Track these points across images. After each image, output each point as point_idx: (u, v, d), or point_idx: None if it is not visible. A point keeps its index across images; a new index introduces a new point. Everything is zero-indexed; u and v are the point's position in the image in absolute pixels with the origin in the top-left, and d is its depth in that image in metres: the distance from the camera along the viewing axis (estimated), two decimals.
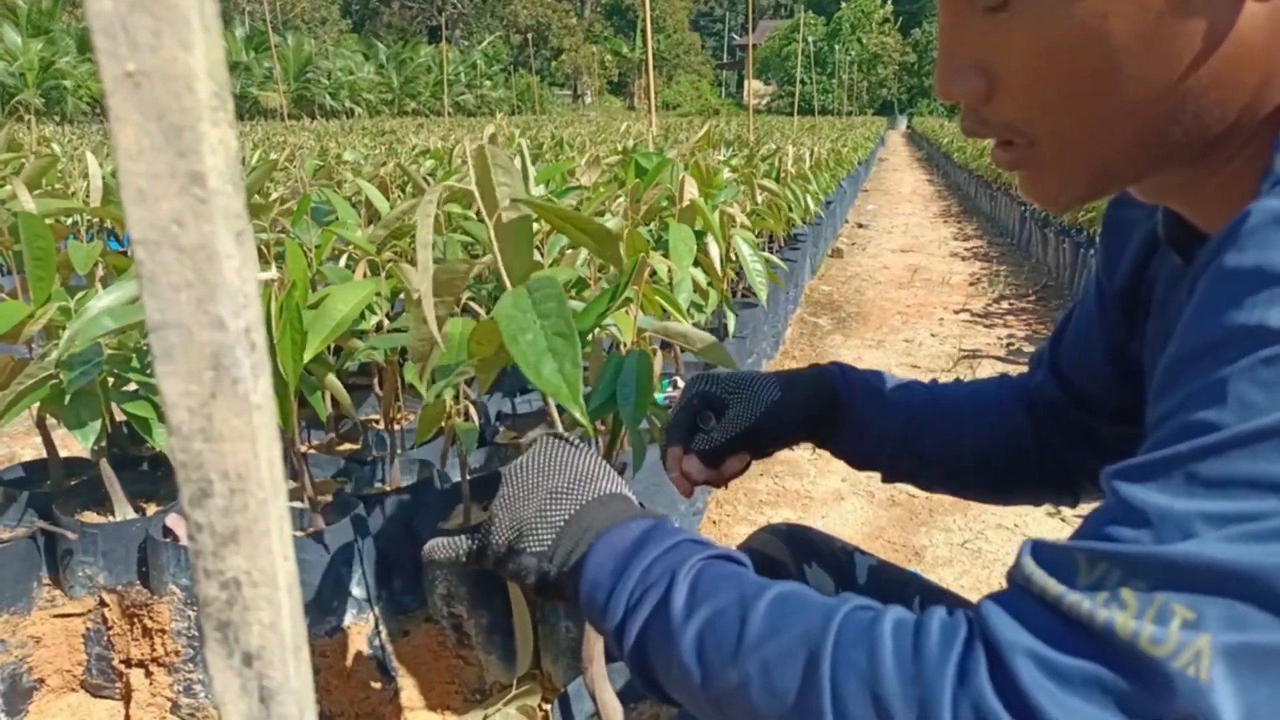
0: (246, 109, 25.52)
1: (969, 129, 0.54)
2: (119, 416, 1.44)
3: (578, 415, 0.84)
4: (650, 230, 2.31)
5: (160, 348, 0.29)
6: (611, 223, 1.81)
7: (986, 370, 3.56)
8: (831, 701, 0.42)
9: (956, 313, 4.62)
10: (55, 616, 1.41)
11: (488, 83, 37.28)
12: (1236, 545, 0.35)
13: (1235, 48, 0.45)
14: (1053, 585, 0.38)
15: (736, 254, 2.30)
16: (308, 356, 1.24)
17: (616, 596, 0.54)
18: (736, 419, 0.80)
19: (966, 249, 6.77)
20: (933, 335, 4.17)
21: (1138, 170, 0.51)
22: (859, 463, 0.86)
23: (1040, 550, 0.40)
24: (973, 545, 2.16)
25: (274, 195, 2.21)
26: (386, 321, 1.58)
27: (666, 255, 1.84)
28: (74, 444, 1.90)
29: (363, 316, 1.50)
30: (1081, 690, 0.36)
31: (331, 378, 1.44)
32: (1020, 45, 0.49)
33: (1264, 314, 0.36)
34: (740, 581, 0.50)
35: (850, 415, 0.83)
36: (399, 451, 1.61)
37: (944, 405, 0.85)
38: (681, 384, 2.15)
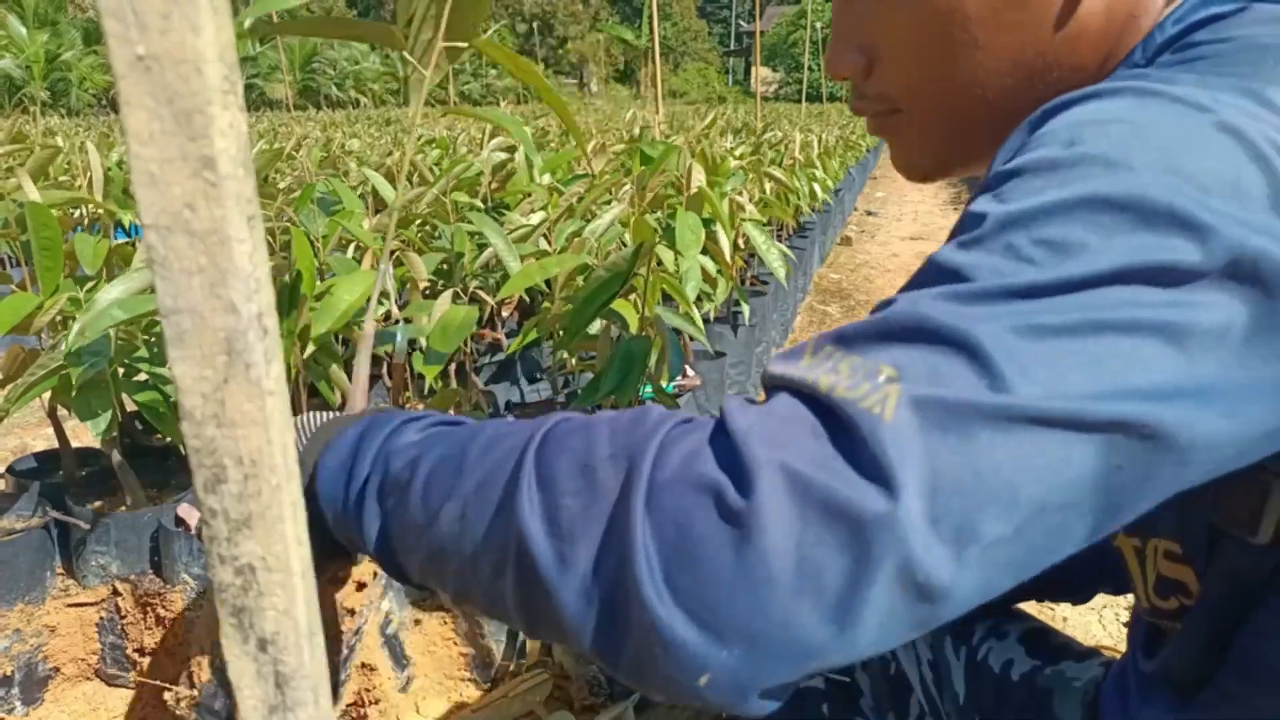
0: (252, 100, 25.53)
1: (855, 107, 0.59)
2: (129, 406, 1.45)
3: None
4: (658, 219, 2.30)
5: (173, 332, 0.29)
6: (617, 209, 1.81)
7: None
8: (536, 477, 0.38)
9: None
10: (69, 606, 1.42)
11: (493, 71, 37.17)
12: (948, 303, 0.35)
13: (1075, 26, 0.50)
14: (777, 367, 0.38)
15: (749, 242, 2.29)
16: (312, 346, 1.24)
17: (350, 493, 0.48)
18: None
19: None
20: None
21: (995, 136, 0.54)
22: None
23: (777, 356, 0.40)
24: None
25: (281, 184, 2.21)
26: (396, 310, 1.58)
27: (672, 244, 1.84)
28: (84, 434, 1.91)
29: (365, 306, 1.50)
30: (778, 422, 0.35)
31: (336, 368, 1.44)
32: (890, 19, 0.54)
33: (1004, 164, 0.40)
34: (464, 428, 0.47)
35: None
36: None
37: None
38: (691, 373, 2.15)
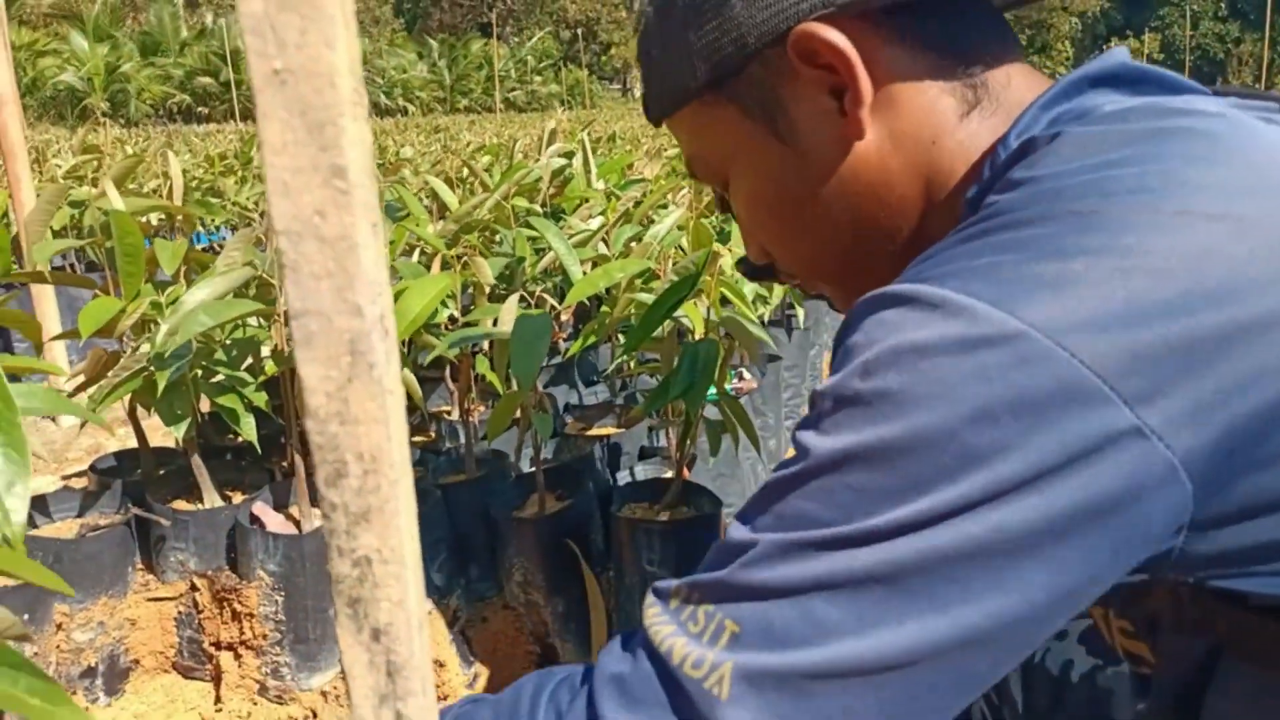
0: None
1: (781, 282, 0.67)
2: (204, 407, 1.49)
3: None
4: (713, 221, 2.31)
5: (301, 334, 0.30)
6: (676, 214, 1.82)
7: None
8: None
9: None
10: (149, 600, 1.47)
11: (538, 78, 37.48)
12: (780, 561, 0.40)
13: (870, 174, 0.54)
14: (652, 610, 0.44)
15: None
16: (395, 323, 1.26)
17: None
18: None
19: None
20: None
21: (883, 276, 0.56)
22: None
23: (657, 587, 0.45)
24: None
25: None
26: (459, 314, 1.61)
27: (727, 245, 1.84)
28: (158, 433, 1.97)
29: (435, 311, 1.52)
30: (635, 705, 0.42)
31: (407, 372, 1.47)
32: (748, 219, 0.61)
33: (821, 384, 0.44)
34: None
35: None
36: (473, 442, 1.63)
37: None
38: (748, 375, 2.15)
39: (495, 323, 1.43)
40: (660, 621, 0.43)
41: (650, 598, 0.45)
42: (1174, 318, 0.38)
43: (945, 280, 0.41)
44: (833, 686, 0.39)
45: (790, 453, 0.43)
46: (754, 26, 0.52)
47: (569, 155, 2.26)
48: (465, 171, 4.00)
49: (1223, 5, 40.83)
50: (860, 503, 0.39)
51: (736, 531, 0.43)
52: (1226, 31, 41.66)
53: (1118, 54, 0.52)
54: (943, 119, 0.53)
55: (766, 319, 2.68)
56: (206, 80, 25.15)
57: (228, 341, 1.44)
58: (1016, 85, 0.53)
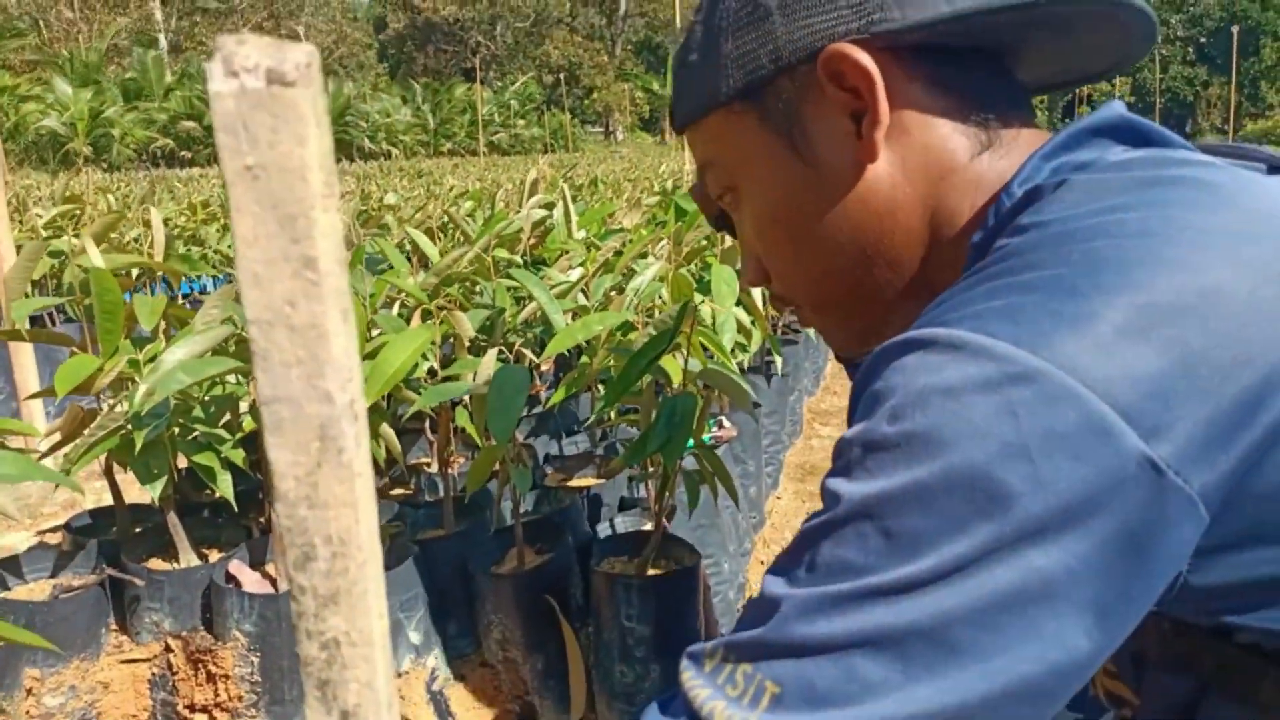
0: None
1: (774, 304, 0.67)
2: (180, 463, 1.48)
3: None
4: (692, 269, 2.33)
5: (271, 420, 0.31)
6: (655, 266, 1.84)
7: None
8: None
9: None
10: (122, 662, 1.44)
11: (521, 122, 37.82)
12: (818, 616, 0.40)
13: (878, 201, 0.56)
14: (687, 674, 0.43)
15: None
16: (365, 406, 1.27)
17: None
18: None
19: None
20: None
21: (882, 313, 0.60)
22: None
23: (691, 651, 0.45)
24: None
25: None
26: (439, 368, 1.62)
27: (708, 295, 1.86)
28: (134, 488, 1.95)
29: (415, 364, 1.53)
30: None
31: (386, 426, 1.47)
32: (751, 236, 0.63)
33: (846, 431, 0.44)
34: None
35: None
36: (452, 496, 1.63)
37: None
38: (727, 424, 2.16)
39: (475, 376, 1.44)
40: (697, 685, 0.42)
41: (685, 662, 0.44)
42: (1185, 352, 0.39)
43: (963, 323, 0.42)
44: None
45: (819, 505, 0.44)
46: (790, 42, 0.55)
47: (549, 206, 2.28)
48: (446, 218, 4.03)
49: (1190, 50, 41.87)
50: (896, 548, 0.39)
51: (771, 585, 0.43)
52: (1195, 75, 42.66)
53: (1115, 107, 0.54)
54: (953, 156, 0.55)
55: (746, 366, 2.70)
56: (190, 124, 25.24)
57: (206, 398, 1.44)
58: (1025, 138, 0.56)
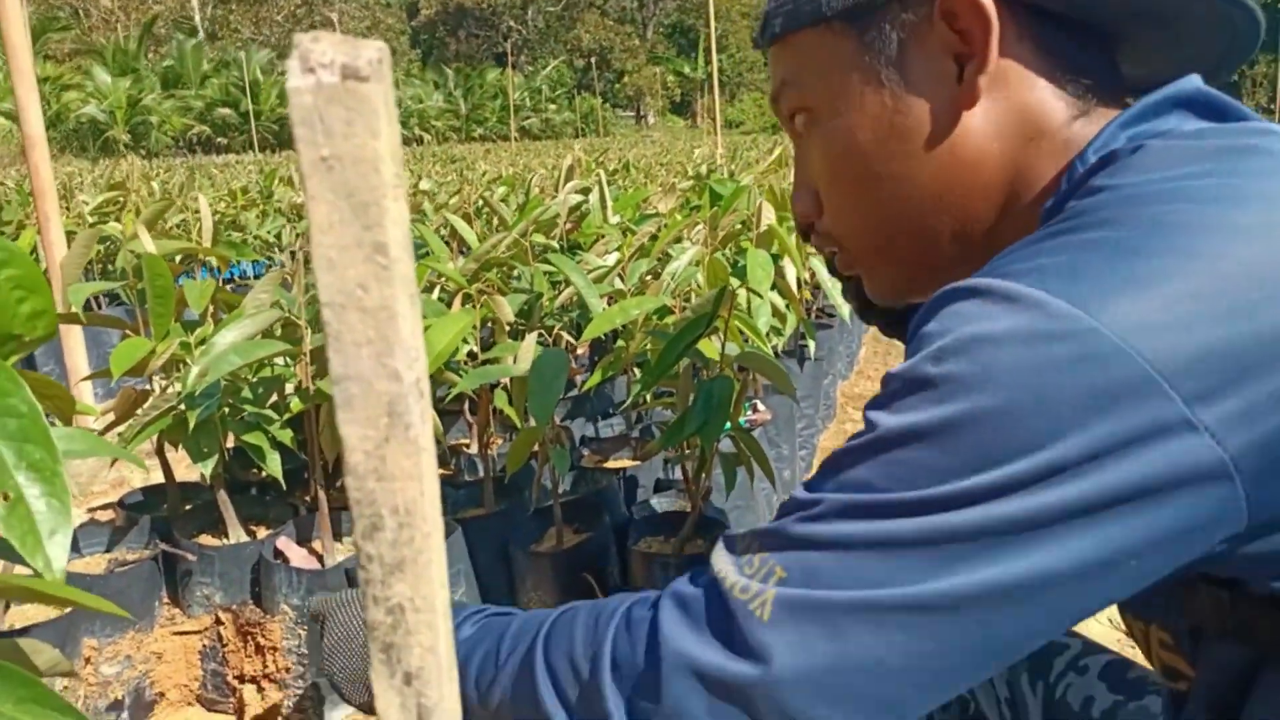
0: None
1: (815, 243, 0.66)
2: (229, 442, 1.52)
3: None
4: (727, 254, 2.34)
5: (342, 398, 0.33)
6: (691, 251, 1.85)
7: None
8: (545, 670, 0.54)
9: None
10: (175, 634, 1.49)
11: (552, 106, 37.84)
12: (837, 519, 0.44)
13: (966, 150, 0.55)
14: (717, 553, 0.49)
15: (815, 275, 2.31)
16: (429, 384, 1.30)
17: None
18: None
19: None
20: None
21: (933, 265, 0.60)
22: None
23: (727, 535, 0.51)
24: None
25: None
26: (479, 351, 1.64)
27: (743, 280, 1.87)
28: (183, 467, 2.01)
29: (456, 348, 1.56)
30: (691, 617, 0.47)
31: (429, 407, 1.50)
32: (816, 163, 0.61)
33: (896, 367, 0.47)
34: (498, 622, 0.63)
35: None
36: (491, 476, 1.66)
37: None
38: (762, 407, 2.17)
39: (515, 360, 1.46)
40: (721, 560, 0.48)
41: (719, 545, 0.49)
42: (1237, 322, 0.40)
43: (1023, 276, 0.43)
44: (865, 625, 0.42)
45: (861, 428, 0.47)
46: None
47: (585, 191, 2.30)
48: (482, 203, 4.06)
49: None
50: (919, 476, 0.42)
51: (799, 493, 0.47)
52: None
53: (1193, 80, 0.54)
54: (1048, 119, 0.55)
55: (780, 349, 2.71)
56: (226, 112, 25.54)
57: (254, 379, 1.48)
58: (1113, 115, 0.55)
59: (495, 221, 3.00)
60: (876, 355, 4.15)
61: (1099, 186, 0.47)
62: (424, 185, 4.84)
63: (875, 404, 0.46)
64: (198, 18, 37.13)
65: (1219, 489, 0.40)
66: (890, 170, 0.57)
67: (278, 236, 3.86)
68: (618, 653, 0.51)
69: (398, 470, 0.34)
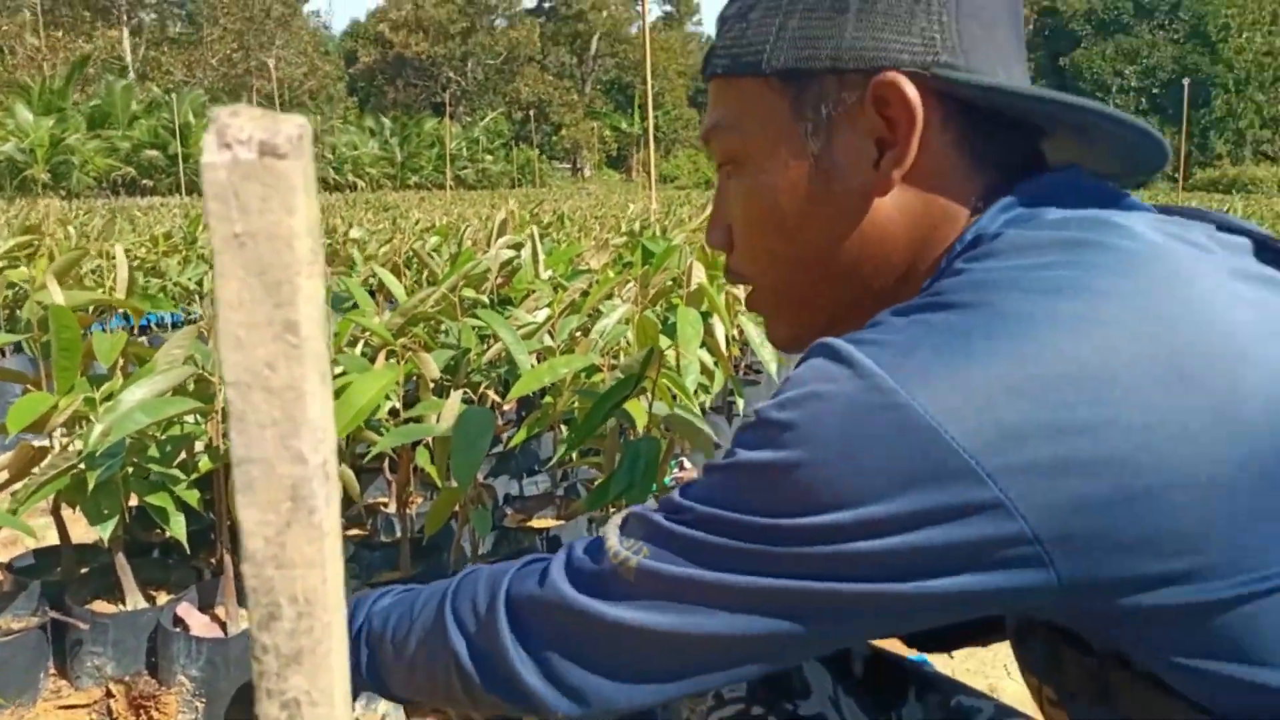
0: None
1: (726, 275, 0.68)
2: (131, 502, 1.45)
3: None
4: (657, 311, 2.34)
5: (243, 480, 0.30)
6: (621, 309, 1.84)
7: None
8: (454, 622, 0.59)
9: None
10: (60, 709, 1.40)
11: (489, 156, 37.98)
12: (688, 524, 0.50)
13: (877, 229, 0.58)
14: (610, 529, 0.55)
15: (743, 334, 2.33)
16: (337, 465, 1.25)
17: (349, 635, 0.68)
18: None
19: None
20: None
21: (831, 316, 0.63)
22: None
23: (633, 509, 0.56)
24: None
25: None
26: (401, 408, 1.60)
27: (672, 338, 1.87)
28: (80, 526, 1.90)
29: (376, 407, 1.51)
30: (570, 572, 0.54)
31: (344, 468, 1.45)
32: (735, 205, 0.63)
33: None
34: (410, 593, 0.67)
35: None
36: (409, 537, 1.61)
37: None
38: (689, 465, 2.16)
39: (439, 418, 1.43)
40: (611, 534, 0.54)
41: (613, 521, 0.55)
42: (1049, 405, 0.43)
43: (866, 345, 0.47)
44: (692, 598, 0.50)
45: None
46: (854, 48, 0.55)
47: (517, 246, 2.29)
48: (412, 254, 4.02)
49: (1144, 100, 43.23)
50: (756, 504, 0.48)
51: (677, 496, 0.53)
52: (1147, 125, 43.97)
53: (1076, 167, 0.57)
54: (954, 208, 0.57)
55: (708, 406, 2.71)
56: (154, 154, 25.00)
57: (162, 437, 1.42)
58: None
59: (426, 273, 2.97)
60: None
61: (959, 269, 0.50)
62: (354, 234, 4.77)
63: (741, 431, 0.51)
64: (129, 58, 36.50)
65: (1020, 554, 0.44)
66: (801, 233, 0.60)
67: (199, 284, 3.75)
68: (511, 589, 0.57)
69: (299, 557, 0.31)
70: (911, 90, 0.53)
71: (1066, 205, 0.54)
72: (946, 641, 0.87)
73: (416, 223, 7.21)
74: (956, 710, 0.89)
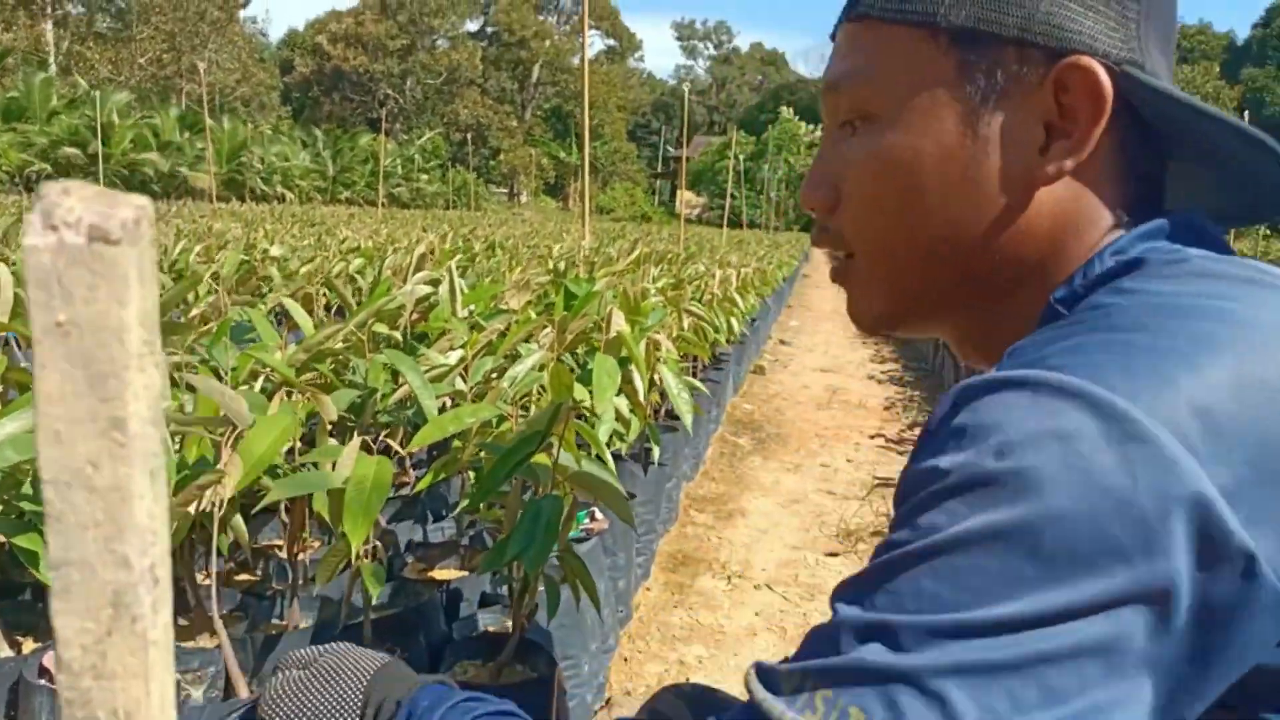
0: (175, 187, 25.17)
1: (815, 238, 0.62)
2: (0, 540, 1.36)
3: None
4: (576, 355, 2.33)
5: (60, 585, 0.28)
6: (536, 355, 1.82)
7: None
8: None
9: (872, 437, 4.73)
10: None
11: (424, 176, 37.62)
12: (904, 648, 0.39)
13: (1022, 219, 0.53)
14: (759, 692, 0.42)
15: (662, 382, 2.33)
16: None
17: None
18: None
19: (883, 372, 6.99)
20: (849, 460, 4.25)
21: (934, 302, 0.58)
22: None
23: (761, 669, 0.44)
24: None
25: (194, 311, 2.17)
26: (298, 449, 1.55)
27: (588, 385, 1.85)
28: None
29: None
30: None
31: (237, 517, 1.39)
32: (855, 163, 0.57)
33: (934, 459, 0.42)
34: None
35: None
36: (301, 584, 1.55)
37: None
38: (600, 515, 2.14)
39: (334, 466, 1.38)
40: (775, 706, 0.41)
41: (755, 681, 0.43)
42: (1266, 424, 0.41)
43: (1077, 370, 0.41)
44: None
45: (900, 531, 0.43)
46: (1047, 25, 0.51)
47: (435, 283, 2.25)
48: (336, 273, 3.93)
49: None
50: (993, 587, 0.38)
51: (847, 611, 0.42)
52: None
53: (1196, 212, 0.55)
54: (1099, 217, 0.54)
55: (624, 453, 2.70)
56: (73, 151, 24.09)
57: (38, 472, 1.34)
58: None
59: (349, 294, 2.90)
60: (723, 455, 4.21)
61: (1132, 289, 0.47)
62: (275, 251, 4.65)
63: (923, 505, 0.42)
64: (52, 51, 35.23)
65: (1271, 610, 0.40)
66: (937, 206, 0.54)
67: None
68: None
69: (120, 668, 0.29)
70: (1106, 80, 0.50)
71: (1204, 244, 0.52)
72: None
73: (343, 241, 7.07)
74: None
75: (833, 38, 0.61)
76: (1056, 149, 0.52)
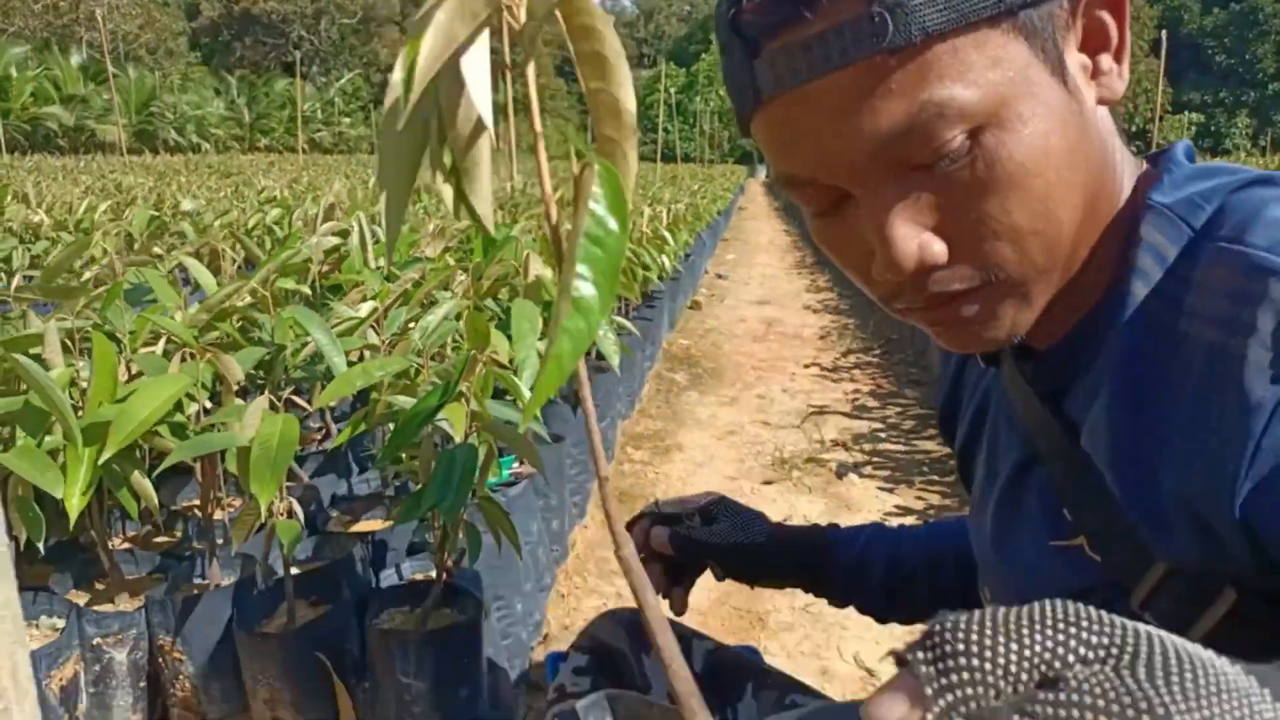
0: (83, 141, 24.01)
1: (907, 304, 0.55)
2: None
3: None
4: (501, 301, 2.30)
5: None
6: (449, 304, 1.79)
7: (832, 425, 3.71)
8: None
9: (807, 367, 4.80)
10: None
11: (346, 120, 36.47)
12: None
13: (1099, 150, 0.55)
14: None
15: None
16: (102, 459, 1.16)
17: None
18: (722, 533, 0.89)
19: (818, 301, 7.06)
20: (784, 391, 4.31)
21: (1055, 284, 0.55)
22: (857, 609, 0.94)
23: None
24: (813, 609, 2.23)
25: (86, 276, 2.08)
26: (207, 408, 1.51)
27: (508, 332, 1.83)
28: None
29: (179, 407, 1.42)
30: None
31: (137, 475, 1.36)
32: (970, 189, 0.51)
33: None
34: None
35: (840, 580, 0.91)
36: (220, 544, 1.53)
37: (927, 550, 0.91)
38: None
39: (240, 426, 1.35)
40: None
41: None
42: None
43: None
44: None
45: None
46: None
47: (344, 234, 2.19)
48: (252, 225, 3.80)
49: None
50: None
51: None
52: None
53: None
54: (1111, 127, 0.57)
55: (555, 397, 2.69)
56: None
57: None
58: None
59: (258, 250, 2.81)
60: (659, 393, 4.24)
61: (1245, 201, 0.52)
62: (186, 205, 4.48)
63: None
64: None
65: None
66: (1082, 174, 0.53)
67: (5, 260, 3.44)
68: None
69: None
70: None
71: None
72: (751, 576, 0.91)
73: (261, 192, 6.84)
74: (790, 706, 0.91)
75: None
76: (1104, 62, 0.54)
